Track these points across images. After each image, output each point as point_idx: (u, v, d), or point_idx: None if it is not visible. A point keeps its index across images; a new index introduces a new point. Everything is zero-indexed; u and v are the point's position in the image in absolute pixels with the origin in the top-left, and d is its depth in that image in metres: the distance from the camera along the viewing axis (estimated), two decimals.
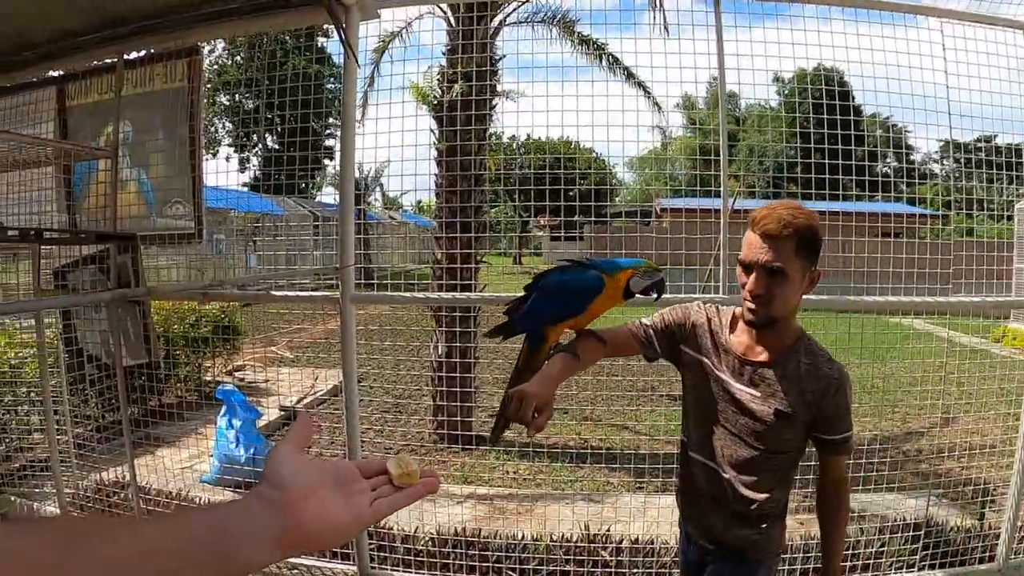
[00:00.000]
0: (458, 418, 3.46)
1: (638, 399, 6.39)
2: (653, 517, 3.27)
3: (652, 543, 3.12)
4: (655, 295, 1.70)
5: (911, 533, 3.13)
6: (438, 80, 4.60)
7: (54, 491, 3.30)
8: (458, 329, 4.30)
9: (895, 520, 3.35)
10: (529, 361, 1.70)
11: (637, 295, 1.69)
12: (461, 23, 4.43)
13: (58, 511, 3.31)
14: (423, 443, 4.90)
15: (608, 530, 3.17)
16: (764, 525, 1.60)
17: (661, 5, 3.79)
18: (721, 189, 2.92)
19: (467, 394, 4.13)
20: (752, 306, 1.50)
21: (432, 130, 4.79)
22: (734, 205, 4.17)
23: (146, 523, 0.60)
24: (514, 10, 4.99)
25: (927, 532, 3.11)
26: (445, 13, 4.65)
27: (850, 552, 2.97)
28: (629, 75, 5.78)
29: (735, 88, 3.14)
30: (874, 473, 3.37)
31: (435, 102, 4.68)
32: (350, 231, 2.70)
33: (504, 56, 4.79)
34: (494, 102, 4.54)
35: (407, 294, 3.14)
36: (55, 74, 3.31)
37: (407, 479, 0.68)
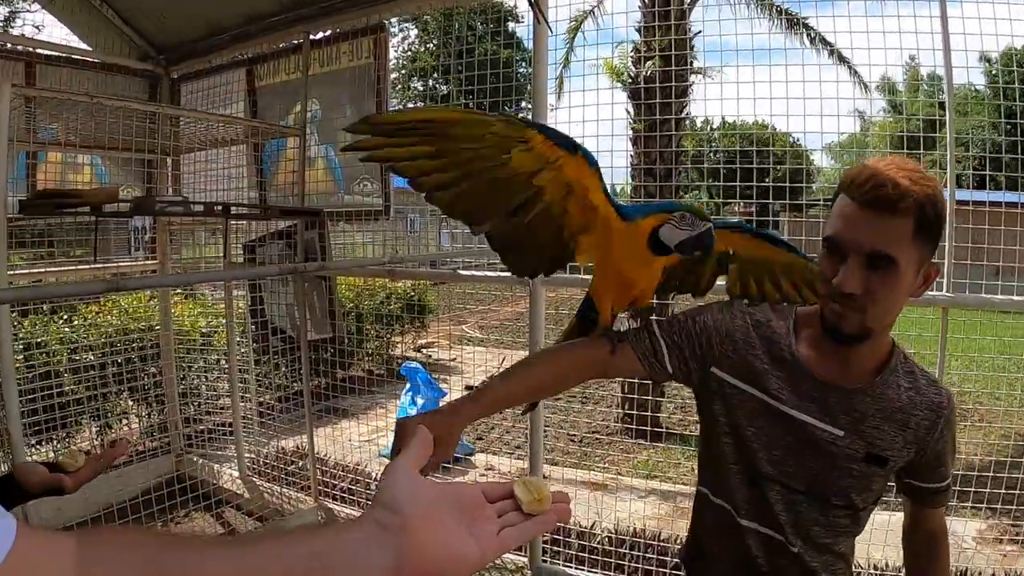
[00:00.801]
0: (647, 412, 3.30)
1: None
2: None
3: None
4: (698, 253, 1.09)
5: None
6: (632, 57, 4.44)
7: (235, 456, 3.48)
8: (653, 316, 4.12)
9: None
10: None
11: (674, 252, 1.09)
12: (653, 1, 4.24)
13: (238, 475, 3.48)
14: (609, 434, 4.77)
15: None
16: None
17: None
18: (948, 175, 2.54)
19: (657, 384, 3.95)
20: (839, 309, 1.01)
21: (628, 110, 4.66)
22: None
23: (243, 545, 0.50)
24: None
25: None
26: None
27: None
28: (832, 52, 5.33)
29: (940, 71, 2.74)
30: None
31: (629, 80, 4.52)
32: None
33: (699, 32, 4.54)
34: (690, 80, 4.31)
35: None
36: (244, 56, 3.44)
37: (537, 506, 0.59)
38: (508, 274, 3.18)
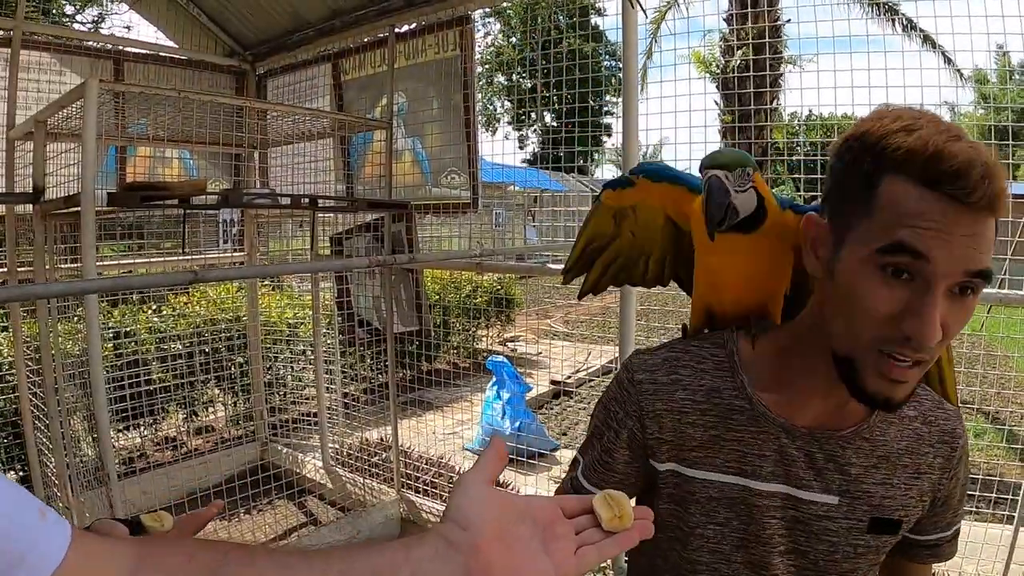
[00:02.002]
0: None
1: None
2: None
3: None
4: (708, 211, 0.80)
5: None
6: (720, 48, 4.33)
7: (319, 445, 3.54)
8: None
9: None
10: None
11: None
12: None
13: (321, 464, 3.54)
14: None
15: None
16: None
17: None
18: None
19: None
20: (904, 369, 0.65)
21: (716, 101, 4.55)
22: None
23: (306, 560, 0.47)
24: None
25: None
26: None
27: None
28: (926, 39, 5.08)
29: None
30: None
31: (717, 70, 4.42)
32: None
33: (788, 20, 4.38)
34: (779, 71, 4.18)
35: None
36: (329, 51, 3.48)
37: (618, 523, 0.55)
38: None
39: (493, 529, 0.50)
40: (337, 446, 3.54)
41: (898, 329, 0.63)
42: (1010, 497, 2.68)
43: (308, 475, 3.57)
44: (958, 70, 5.07)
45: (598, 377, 5.93)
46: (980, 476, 2.68)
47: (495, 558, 0.49)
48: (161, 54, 3.66)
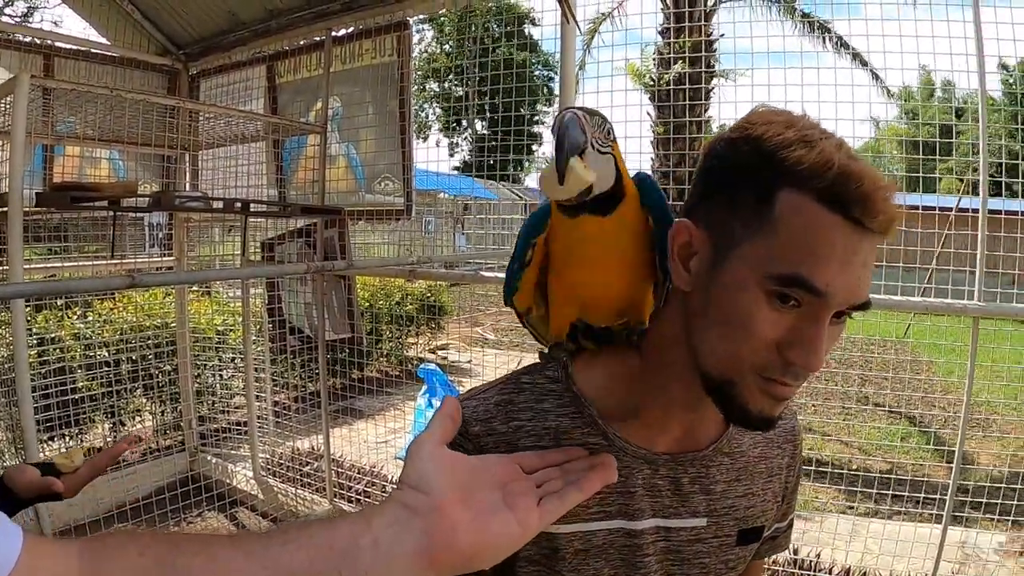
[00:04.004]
0: None
1: (856, 411, 5.74)
2: (860, 547, 2.93)
3: None
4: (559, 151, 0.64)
5: None
6: (654, 60, 4.41)
7: (249, 455, 3.45)
8: None
9: None
10: None
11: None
12: (677, 3, 4.21)
13: (252, 475, 3.45)
14: None
15: (819, 555, 2.85)
16: None
17: None
18: (981, 183, 2.48)
19: None
20: (787, 391, 0.62)
21: (649, 113, 4.62)
22: (959, 204, 3.67)
23: (260, 542, 0.46)
24: None
25: None
26: None
27: None
28: (856, 56, 5.28)
29: (951, 76, 2.68)
30: None
31: (651, 83, 4.50)
32: None
33: (723, 35, 4.50)
34: (711, 84, 4.27)
35: None
36: (264, 53, 3.41)
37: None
38: None
39: (453, 490, 0.49)
40: (268, 456, 3.46)
41: (782, 356, 0.59)
42: (938, 497, 2.80)
43: (239, 486, 3.47)
44: (885, 87, 5.31)
45: None
46: (908, 478, 2.81)
47: (458, 518, 0.48)
48: (93, 51, 3.54)
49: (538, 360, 0.78)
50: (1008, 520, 2.99)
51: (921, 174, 2.94)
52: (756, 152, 0.59)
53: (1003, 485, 2.80)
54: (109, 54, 3.58)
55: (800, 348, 0.58)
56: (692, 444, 0.73)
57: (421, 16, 2.87)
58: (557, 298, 0.77)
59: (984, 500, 3.34)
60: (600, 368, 0.74)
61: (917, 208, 3.22)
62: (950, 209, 3.52)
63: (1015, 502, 2.56)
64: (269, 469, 3.42)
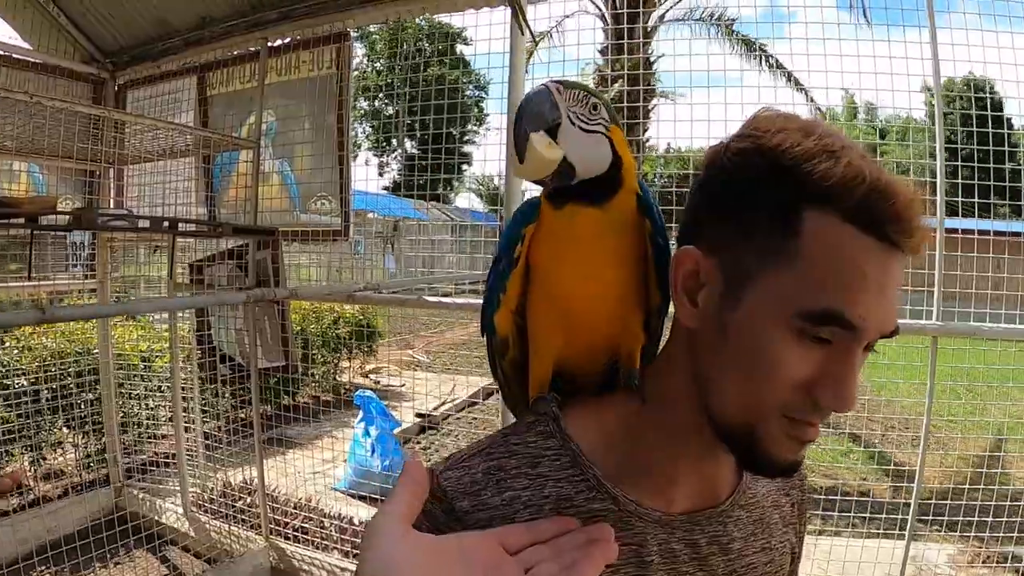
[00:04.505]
0: None
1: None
2: (810, 567, 2.89)
3: None
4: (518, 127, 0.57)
5: None
6: (594, 80, 4.35)
7: (179, 489, 3.23)
8: None
9: None
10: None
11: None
12: (618, 20, 4.18)
13: (182, 511, 3.23)
14: None
15: None
16: None
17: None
18: (938, 203, 2.47)
19: None
20: (817, 428, 0.54)
21: None
22: None
23: None
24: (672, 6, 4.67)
25: None
26: (601, 10, 4.42)
27: None
28: (790, 78, 5.36)
29: (874, 97, 2.72)
30: None
31: None
32: None
33: (662, 55, 4.48)
34: (651, 104, 4.24)
35: None
36: (196, 63, 3.24)
37: None
38: (476, 300, 3.03)
39: None
40: (199, 490, 3.24)
41: (810, 395, 0.52)
42: (884, 516, 2.78)
43: (168, 523, 3.24)
44: (818, 108, 5.40)
45: (463, 410, 5.82)
46: (853, 496, 2.79)
47: None
48: (13, 56, 3.31)
49: (527, 417, 0.67)
50: (955, 532, 3.00)
51: None
52: (773, 166, 0.51)
53: (947, 500, 2.79)
54: (31, 60, 3.36)
55: (831, 388, 0.51)
56: (711, 499, 0.64)
57: (354, 33, 2.75)
58: (539, 325, 0.65)
59: (930, 516, 3.34)
60: (596, 418, 0.64)
61: None
62: None
63: (961, 518, 2.57)
64: (200, 504, 3.20)
